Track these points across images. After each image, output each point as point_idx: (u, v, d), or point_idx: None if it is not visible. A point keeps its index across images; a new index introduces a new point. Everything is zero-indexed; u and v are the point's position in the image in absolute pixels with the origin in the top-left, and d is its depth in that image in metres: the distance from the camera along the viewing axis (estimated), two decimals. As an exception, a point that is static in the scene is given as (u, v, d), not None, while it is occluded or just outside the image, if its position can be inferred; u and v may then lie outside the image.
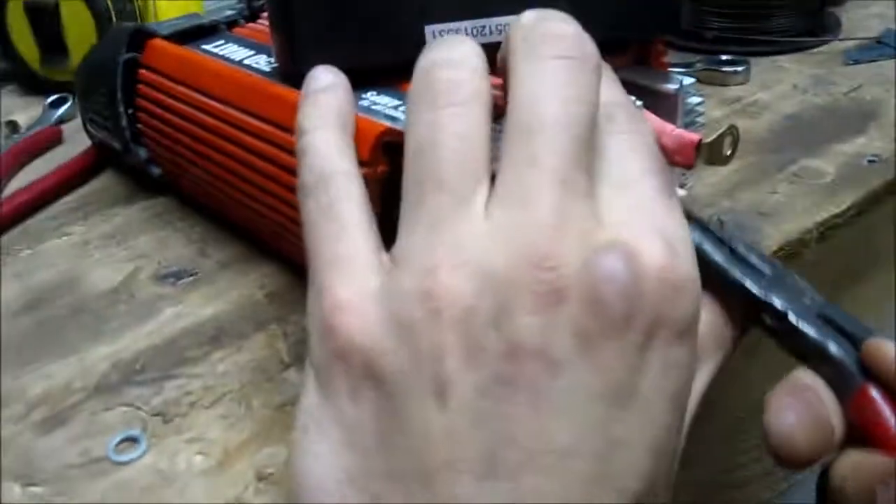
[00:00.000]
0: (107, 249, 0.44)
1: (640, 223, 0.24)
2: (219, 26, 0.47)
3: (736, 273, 0.27)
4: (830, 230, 0.43)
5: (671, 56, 0.62)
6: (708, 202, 0.44)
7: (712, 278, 0.27)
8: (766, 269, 0.28)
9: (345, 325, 0.24)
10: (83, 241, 0.45)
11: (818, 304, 0.27)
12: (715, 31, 0.62)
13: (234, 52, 0.43)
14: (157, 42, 0.45)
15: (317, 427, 0.25)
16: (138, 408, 0.33)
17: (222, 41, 0.45)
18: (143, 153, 0.47)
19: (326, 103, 0.29)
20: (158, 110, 0.44)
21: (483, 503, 0.22)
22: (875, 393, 0.24)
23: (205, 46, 0.45)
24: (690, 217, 0.28)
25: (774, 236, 0.42)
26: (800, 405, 0.25)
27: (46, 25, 0.62)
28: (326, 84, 0.30)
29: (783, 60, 0.61)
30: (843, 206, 0.44)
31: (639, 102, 0.37)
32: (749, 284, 0.27)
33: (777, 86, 0.58)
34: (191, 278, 0.41)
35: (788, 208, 0.44)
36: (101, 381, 0.35)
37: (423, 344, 0.23)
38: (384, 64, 0.36)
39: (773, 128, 0.52)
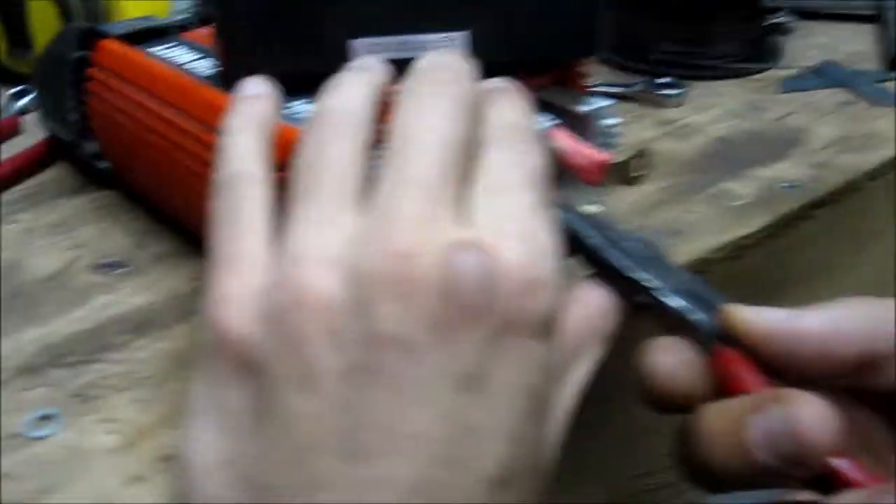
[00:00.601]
0: (50, 238, 0.46)
1: (504, 227, 0.26)
2: (170, 29, 0.49)
3: (608, 254, 0.30)
4: (739, 250, 0.46)
5: (612, 76, 0.65)
6: (623, 220, 0.46)
7: (590, 265, 0.30)
8: (639, 251, 0.30)
9: (224, 318, 0.26)
10: (28, 230, 0.47)
11: (685, 280, 0.30)
12: (659, 55, 0.64)
13: (180, 55, 0.45)
14: (107, 42, 0.47)
15: (202, 413, 0.27)
16: (58, 388, 0.35)
17: (171, 44, 0.47)
18: (91, 147, 0.49)
19: (250, 109, 0.32)
20: (104, 107, 0.46)
21: (346, 483, 0.24)
22: (730, 352, 0.27)
23: (152, 49, 0.47)
24: (569, 208, 0.31)
25: (683, 254, 0.44)
26: (672, 352, 0.29)
27: (13, 18, 0.64)
28: (254, 92, 0.32)
29: (722, 85, 0.64)
30: (753, 229, 0.46)
31: (555, 121, 0.39)
32: (619, 264, 0.30)
33: (711, 109, 0.60)
34: (125, 269, 0.43)
35: (700, 228, 0.46)
36: (28, 362, 0.37)
37: (289, 333, 0.25)
38: (314, 73, 0.38)
39: (700, 151, 0.54)
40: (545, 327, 0.26)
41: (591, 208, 0.43)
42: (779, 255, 0.49)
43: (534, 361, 0.26)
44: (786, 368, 0.27)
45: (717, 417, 0.27)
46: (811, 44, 0.72)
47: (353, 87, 0.30)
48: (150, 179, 0.45)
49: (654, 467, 0.51)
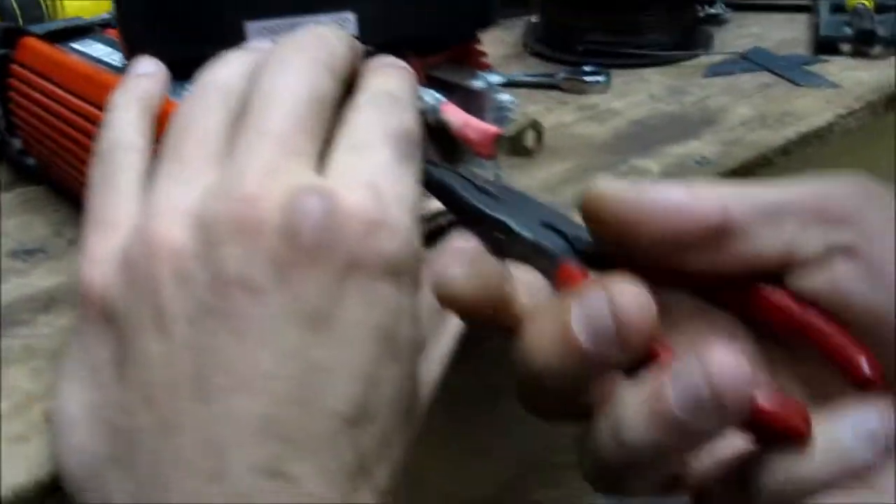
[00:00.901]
0: (-25, 229, 0.48)
1: (355, 176, 0.28)
2: (94, 27, 0.51)
3: (472, 199, 0.32)
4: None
5: (541, 67, 0.66)
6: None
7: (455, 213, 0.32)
8: (504, 197, 0.32)
9: (89, 276, 0.28)
10: (-45, 222, 0.49)
11: (546, 214, 0.31)
12: (587, 45, 0.66)
13: (98, 50, 0.47)
14: (29, 40, 0.49)
15: (71, 368, 0.29)
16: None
17: (92, 41, 0.49)
18: (17, 144, 0.51)
19: (136, 86, 0.33)
20: (27, 103, 0.48)
21: (197, 422, 0.25)
22: (573, 266, 0.28)
23: (74, 45, 0.48)
24: (437, 164, 0.33)
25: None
26: (460, 256, 0.27)
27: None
28: (142, 71, 0.34)
29: (648, 73, 0.65)
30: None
31: (445, 97, 0.40)
32: (482, 206, 0.31)
33: (633, 95, 0.61)
34: (42, 255, 0.45)
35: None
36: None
37: (142, 280, 0.26)
38: (211, 56, 0.40)
39: (617, 133, 0.56)
40: (392, 268, 0.27)
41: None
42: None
43: (381, 302, 0.26)
44: (633, 246, 0.27)
45: (542, 317, 0.26)
46: (744, 33, 0.73)
47: (232, 64, 0.32)
48: (70, 171, 0.47)
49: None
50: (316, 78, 0.29)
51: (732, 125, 0.56)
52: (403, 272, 0.27)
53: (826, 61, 0.66)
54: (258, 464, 0.24)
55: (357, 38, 0.38)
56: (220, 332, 0.25)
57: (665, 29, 0.68)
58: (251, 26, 0.41)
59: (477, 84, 0.43)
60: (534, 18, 0.73)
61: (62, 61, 0.45)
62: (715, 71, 0.65)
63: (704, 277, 0.28)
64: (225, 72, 0.31)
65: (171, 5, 0.40)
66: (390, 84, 0.33)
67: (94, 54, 0.46)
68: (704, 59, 0.68)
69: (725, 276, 0.27)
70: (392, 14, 0.41)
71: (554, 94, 0.62)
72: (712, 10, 0.75)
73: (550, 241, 0.29)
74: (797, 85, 0.62)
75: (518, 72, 0.66)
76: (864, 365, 0.25)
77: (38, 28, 0.50)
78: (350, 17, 0.41)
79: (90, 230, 0.29)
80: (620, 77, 0.64)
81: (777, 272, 0.27)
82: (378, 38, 0.40)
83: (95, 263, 0.28)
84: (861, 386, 0.25)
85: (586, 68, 0.62)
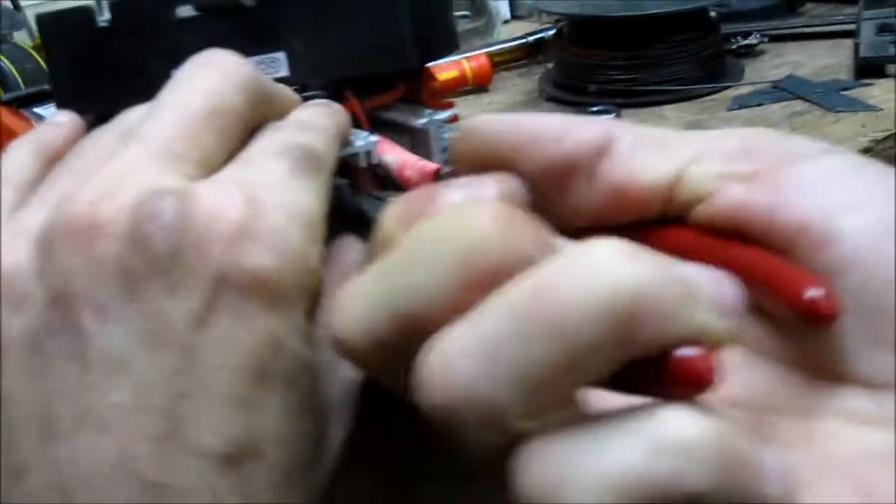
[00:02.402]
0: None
1: (226, 181, 0.24)
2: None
3: (359, 204, 0.31)
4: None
5: (550, 111, 0.62)
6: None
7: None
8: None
9: None
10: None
11: None
12: (600, 84, 0.62)
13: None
14: (-6, 109, 0.48)
15: None
16: None
17: (52, 104, 0.48)
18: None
19: (35, 132, 0.31)
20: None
21: (46, 464, 0.22)
22: None
23: (36, 109, 0.47)
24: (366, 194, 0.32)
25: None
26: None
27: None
28: (54, 120, 0.32)
29: (668, 109, 0.60)
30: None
31: (373, 138, 0.37)
32: (364, 207, 0.30)
33: (645, 133, 0.56)
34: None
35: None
36: None
37: None
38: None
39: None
40: (266, 286, 0.22)
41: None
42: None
43: (253, 322, 0.22)
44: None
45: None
46: (781, 62, 0.68)
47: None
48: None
49: None
50: (220, 90, 0.26)
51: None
52: (282, 292, 0.23)
53: (870, 84, 0.60)
54: None
55: (289, 78, 0.35)
56: (62, 358, 0.22)
57: (686, 62, 0.63)
58: (177, 75, 0.39)
59: (419, 122, 0.40)
60: (549, 64, 0.69)
61: (4, 123, 0.44)
62: (740, 103, 0.59)
63: (599, 217, 0.22)
64: (133, 112, 0.29)
65: (99, 62, 0.39)
66: (305, 115, 0.30)
67: (47, 114, 0.45)
68: (732, 92, 0.62)
69: (614, 211, 0.22)
70: (324, 53, 0.38)
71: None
72: (746, 42, 0.69)
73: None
74: (831, 111, 0.56)
75: (527, 117, 0.62)
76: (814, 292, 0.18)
77: (4, 96, 0.50)
78: (280, 57, 0.39)
79: None
80: (636, 116, 0.60)
81: (670, 212, 0.22)
82: (311, 78, 0.38)
83: None
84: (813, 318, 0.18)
85: (592, 109, 0.57)
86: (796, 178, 0.20)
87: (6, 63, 0.62)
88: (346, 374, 0.28)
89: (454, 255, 0.18)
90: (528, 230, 0.18)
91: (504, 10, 0.94)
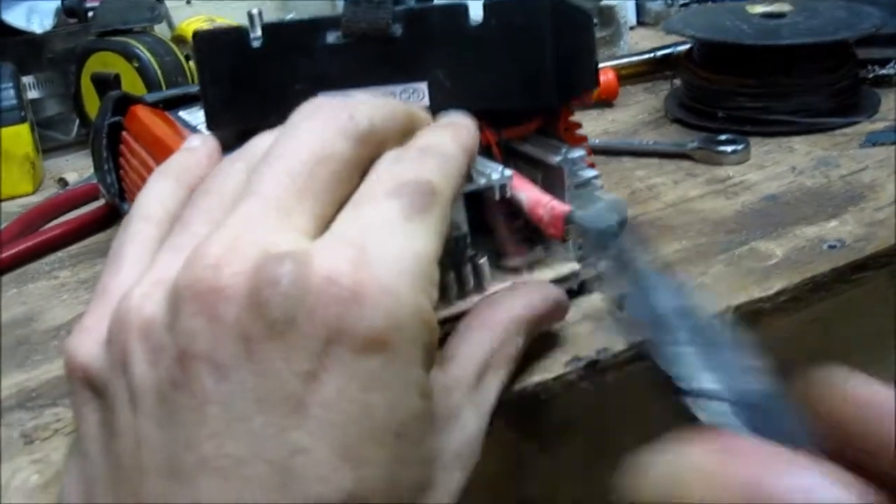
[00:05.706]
0: (75, 293, 0.49)
1: (341, 236, 0.25)
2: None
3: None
4: (752, 315, 0.41)
5: (677, 136, 0.62)
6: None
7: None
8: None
9: (73, 345, 0.27)
10: (61, 285, 0.50)
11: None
12: (728, 111, 0.61)
13: (199, 117, 0.48)
14: (136, 107, 0.50)
15: (74, 442, 0.28)
16: (13, 428, 0.37)
17: (196, 108, 0.50)
18: (127, 208, 0.52)
19: (175, 160, 0.33)
20: (131, 169, 0.49)
21: (167, 503, 0.23)
22: None
23: (181, 113, 0.49)
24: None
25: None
26: None
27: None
28: (190, 146, 0.34)
29: (796, 141, 0.59)
30: (771, 292, 0.42)
31: (508, 172, 0.37)
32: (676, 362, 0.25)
33: (773, 167, 0.55)
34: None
35: (710, 289, 0.42)
36: (4, 405, 0.39)
37: (117, 354, 0.25)
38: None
39: (743, 209, 0.50)
40: (377, 343, 0.24)
41: (572, 265, 0.40)
42: (813, 325, 0.44)
43: (365, 378, 0.24)
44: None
45: None
46: (924, 94, 0.65)
47: (274, 132, 0.30)
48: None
49: None
50: (322, 139, 0.27)
51: (882, 203, 0.49)
52: (394, 344, 0.24)
53: None
54: None
55: (427, 108, 0.36)
56: (185, 409, 0.23)
57: (818, 92, 0.61)
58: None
59: (553, 159, 0.40)
60: (677, 81, 0.68)
61: (151, 127, 0.46)
62: (874, 139, 0.58)
63: None
64: (260, 139, 0.30)
65: (246, 80, 0.40)
66: (432, 138, 0.30)
67: (194, 122, 0.47)
68: (865, 127, 0.60)
69: None
70: (465, 86, 0.39)
71: (686, 164, 0.57)
72: (884, 71, 0.67)
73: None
74: (975, 156, 0.54)
75: (650, 139, 0.62)
76: None
77: (150, 96, 0.52)
78: (422, 87, 0.39)
79: (92, 297, 0.29)
80: (764, 146, 0.58)
81: None
82: (450, 107, 0.38)
83: (83, 332, 0.27)
84: None
85: (721, 137, 0.56)
86: None
87: (147, 55, 0.64)
88: (468, 423, 0.29)
89: None
90: None
91: (631, 15, 0.92)
